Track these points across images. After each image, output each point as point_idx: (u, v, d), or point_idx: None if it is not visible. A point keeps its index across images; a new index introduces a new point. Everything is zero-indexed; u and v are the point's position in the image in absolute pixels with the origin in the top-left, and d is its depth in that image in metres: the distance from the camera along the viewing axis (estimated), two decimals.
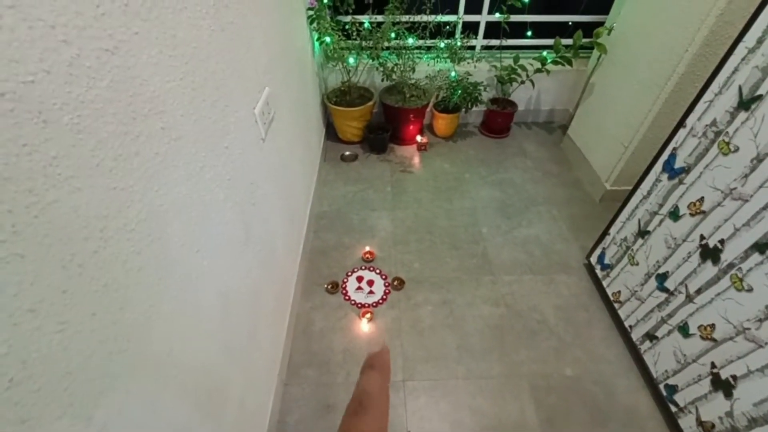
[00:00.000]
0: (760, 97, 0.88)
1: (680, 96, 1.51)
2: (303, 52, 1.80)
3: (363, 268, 1.68)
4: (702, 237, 1.04)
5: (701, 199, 1.05)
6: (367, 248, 1.73)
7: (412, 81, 2.22)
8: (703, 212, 1.04)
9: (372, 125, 2.33)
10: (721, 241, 0.98)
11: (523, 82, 2.28)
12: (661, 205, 1.21)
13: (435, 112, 2.38)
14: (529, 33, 2.27)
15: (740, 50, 0.93)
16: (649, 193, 1.26)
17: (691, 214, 1.08)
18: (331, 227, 1.91)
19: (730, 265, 0.95)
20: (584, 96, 2.19)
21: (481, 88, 2.27)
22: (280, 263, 1.36)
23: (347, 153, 2.32)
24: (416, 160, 2.33)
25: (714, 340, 1.01)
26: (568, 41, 2.08)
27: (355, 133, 2.34)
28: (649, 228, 1.26)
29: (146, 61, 0.57)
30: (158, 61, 0.60)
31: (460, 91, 2.22)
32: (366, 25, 2.05)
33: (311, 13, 1.86)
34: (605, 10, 2.17)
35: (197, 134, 0.73)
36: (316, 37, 1.99)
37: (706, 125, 1.04)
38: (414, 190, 2.12)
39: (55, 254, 0.41)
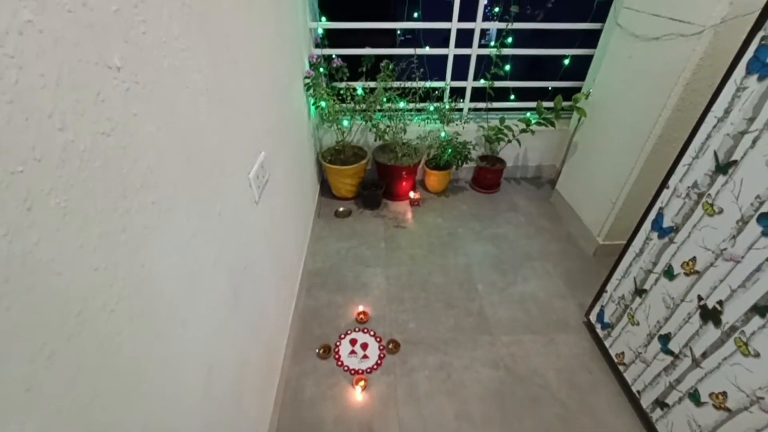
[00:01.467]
0: (735, 162, 0.92)
1: (660, 156, 1.58)
2: (299, 115, 1.88)
3: (357, 330, 1.62)
4: (700, 297, 1.03)
5: (693, 259, 1.05)
6: (361, 308, 1.68)
7: (404, 141, 2.31)
8: (698, 272, 1.04)
9: (365, 182, 2.38)
10: (720, 303, 0.97)
11: (509, 141, 2.38)
12: (654, 264, 1.21)
13: (427, 169, 2.45)
14: (512, 96, 2.42)
15: (710, 119, 0.99)
16: (642, 251, 1.27)
17: (686, 274, 1.08)
18: (324, 285, 1.87)
19: (733, 328, 0.93)
20: (569, 153, 2.29)
21: (470, 146, 2.36)
22: (271, 326, 1.30)
23: (341, 209, 2.35)
24: (409, 215, 2.35)
25: (728, 410, 0.96)
26: (550, 104, 2.22)
27: (349, 189, 2.39)
28: (646, 286, 1.25)
29: (142, 138, 0.58)
30: (154, 137, 0.62)
31: (450, 150, 2.31)
32: (359, 92, 2.17)
33: (308, 80, 1.98)
34: (582, 76, 2.34)
35: (189, 203, 0.73)
36: (312, 101, 2.10)
37: (688, 187, 1.07)
38: (408, 246, 2.12)
39: (23, 346, 0.39)
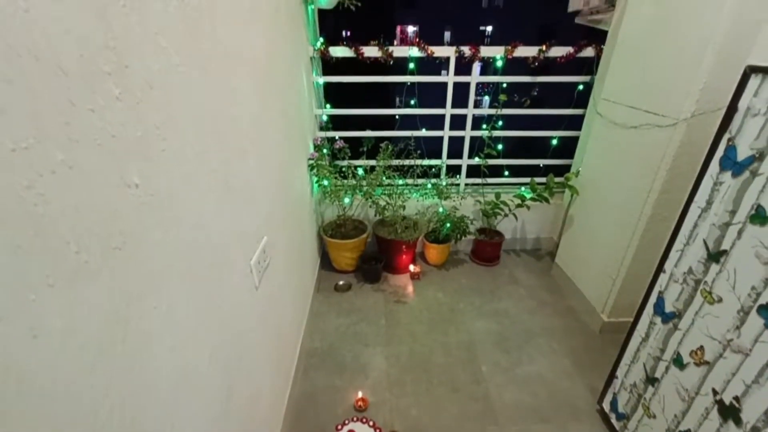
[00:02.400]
0: (726, 252, 0.95)
1: (654, 235, 1.61)
2: (302, 194, 1.96)
3: (355, 419, 1.51)
4: (714, 391, 0.98)
5: (701, 348, 1.02)
6: (360, 394, 1.59)
7: (404, 216, 2.37)
8: (708, 363, 1.00)
9: (366, 255, 2.39)
10: (737, 399, 0.92)
11: (506, 215, 2.45)
12: (662, 350, 1.17)
13: (426, 242, 2.48)
14: (506, 173, 2.54)
15: (694, 209, 1.04)
16: (647, 335, 1.24)
17: (696, 364, 1.04)
18: (321, 366, 1.78)
19: (755, 430, 0.87)
20: (565, 227, 2.33)
21: (468, 220, 2.42)
22: (262, 419, 1.22)
23: (341, 283, 2.33)
24: (410, 289, 2.33)
25: None
26: (542, 179, 2.31)
27: (350, 263, 2.39)
28: (657, 375, 1.19)
29: (149, 246, 0.61)
30: (160, 243, 0.64)
31: (449, 224, 2.36)
32: (360, 172, 2.30)
33: (312, 162, 2.10)
34: (571, 153, 2.47)
35: (190, 300, 0.74)
36: (315, 180, 2.20)
37: (684, 273, 1.08)
38: (408, 322, 2.06)
39: None
